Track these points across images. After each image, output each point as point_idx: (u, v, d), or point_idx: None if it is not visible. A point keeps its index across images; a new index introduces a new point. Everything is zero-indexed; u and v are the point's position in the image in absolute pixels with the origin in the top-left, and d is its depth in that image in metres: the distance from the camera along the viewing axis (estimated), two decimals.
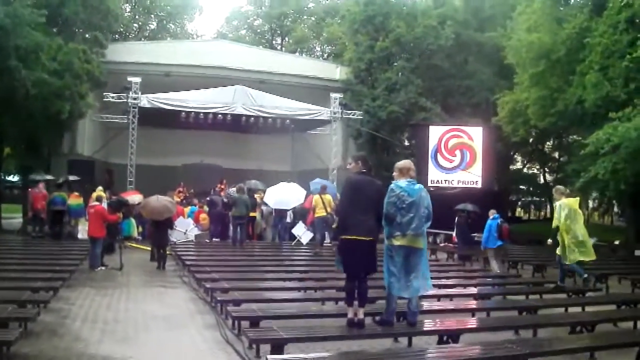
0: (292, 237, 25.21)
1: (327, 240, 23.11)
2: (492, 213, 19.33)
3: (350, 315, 9.00)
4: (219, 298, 11.40)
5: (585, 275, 13.94)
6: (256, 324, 9.35)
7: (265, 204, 26.30)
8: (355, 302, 9.05)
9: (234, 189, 25.40)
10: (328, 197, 21.94)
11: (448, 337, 9.08)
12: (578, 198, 14.60)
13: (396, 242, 9.03)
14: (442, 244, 27.03)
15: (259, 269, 16.92)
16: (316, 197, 22.03)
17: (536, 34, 26.36)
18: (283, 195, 24.86)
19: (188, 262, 17.02)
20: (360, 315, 8.96)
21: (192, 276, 15.81)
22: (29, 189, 25.97)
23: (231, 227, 24.30)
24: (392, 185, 9.21)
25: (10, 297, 10.36)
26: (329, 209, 21.36)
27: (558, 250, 14.02)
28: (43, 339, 9.45)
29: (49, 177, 27.84)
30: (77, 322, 10.81)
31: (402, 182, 9.19)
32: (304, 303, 12.08)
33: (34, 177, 27.25)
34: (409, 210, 8.98)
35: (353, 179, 9.30)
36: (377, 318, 9.36)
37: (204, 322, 11.13)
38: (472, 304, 12.47)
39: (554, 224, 13.88)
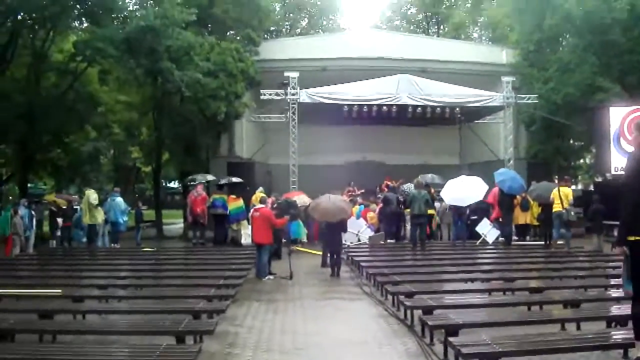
0: (472, 236, 22.74)
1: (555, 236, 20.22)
2: None
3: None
4: (424, 319, 8.82)
5: None
6: None
7: (440, 200, 23.65)
8: None
9: (408, 184, 23.14)
10: (566, 191, 19.76)
11: None
12: None
13: None
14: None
15: (454, 276, 14.33)
16: (554, 190, 19.79)
17: None
18: (462, 190, 22.09)
19: (370, 270, 14.72)
20: None
21: (376, 286, 13.62)
22: (188, 193, 24.73)
23: (407, 227, 21.97)
24: None
25: (162, 325, 8.49)
26: (565, 204, 19.25)
27: None
28: None
29: (209, 177, 26.80)
30: (247, 351, 8.66)
31: None
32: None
33: (193, 178, 26.24)
34: None
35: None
36: None
37: (406, 349, 8.72)
38: None
39: None
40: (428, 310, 9.28)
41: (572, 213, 19.09)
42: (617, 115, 28.38)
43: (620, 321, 8.75)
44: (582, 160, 41.64)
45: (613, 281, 12.27)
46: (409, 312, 10.18)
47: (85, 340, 8.75)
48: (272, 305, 12.17)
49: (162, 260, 18.09)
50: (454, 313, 9.05)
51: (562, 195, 19.34)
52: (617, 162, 27.77)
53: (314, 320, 10.85)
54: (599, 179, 34.52)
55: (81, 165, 32.50)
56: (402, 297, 10.53)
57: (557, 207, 19.43)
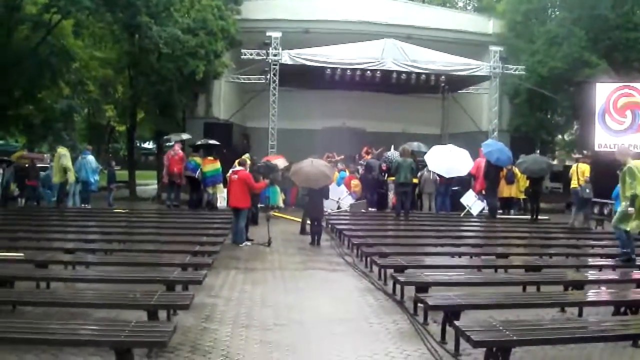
0: (454, 207, 22.32)
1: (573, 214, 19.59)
2: None
3: None
4: (421, 297, 8.01)
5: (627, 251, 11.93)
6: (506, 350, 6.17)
7: (423, 168, 22.97)
8: None
9: (392, 151, 22.47)
10: (583, 167, 19.33)
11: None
12: None
13: None
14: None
15: (444, 249, 13.57)
16: (573, 166, 19.67)
17: None
18: (449, 161, 21.44)
19: (354, 239, 13.99)
20: None
21: (359, 256, 13.04)
22: (164, 153, 23.86)
23: (391, 196, 21.41)
24: None
25: (133, 298, 7.59)
26: (581, 180, 18.87)
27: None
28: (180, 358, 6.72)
29: (185, 136, 25.85)
30: (224, 326, 7.95)
31: None
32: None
33: (169, 138, 25.37)
34: None
35: None
36: None
37: (398, 329, 8.06)
38: None
39: (629, 191, 11.79)
40: (422, 287, 8.56)
41: (587, 190, 18.57)
42: (603, 92, 27.88)
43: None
44: (559, 137, 41.21)
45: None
46: (398, 286, 9.56)
47: (46, 313, 8.01)
48: (251, 275, 11.48)
49: (135, 223, 17.18)
50: (452, 292, 8.38)
51: (579, 172, 19.05)
52: (601, 139, 27.40)
53: (295, 292, 10.16)
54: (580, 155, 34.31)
55: (54, 122, 31.43)
56: (393, 272, 9.80)
57: (574, 184, 19.17)
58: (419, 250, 12.78)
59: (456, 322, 6.67)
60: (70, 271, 10.05)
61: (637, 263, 11.79)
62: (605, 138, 27.38)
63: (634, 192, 11.65)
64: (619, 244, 12.37)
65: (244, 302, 9.31)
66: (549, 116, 35.54)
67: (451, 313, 7.29)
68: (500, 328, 6.36)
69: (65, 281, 9.47)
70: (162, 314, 7.65)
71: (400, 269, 9.94)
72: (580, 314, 8.79)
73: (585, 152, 19.50)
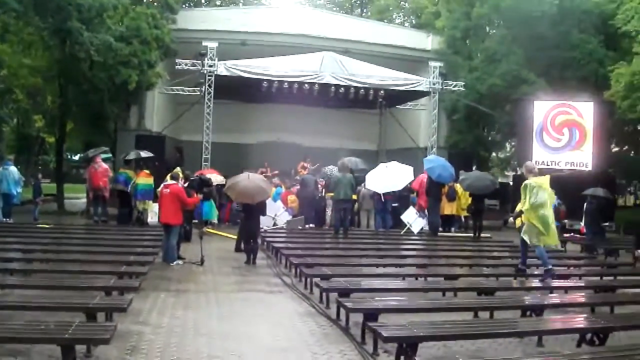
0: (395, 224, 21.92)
1: None
2: None
3: None
4: (372, 326, 7.24)
5: (549, 267, 12.25)
6: None
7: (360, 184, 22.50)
8: None
9: (330, 167, 21.92)
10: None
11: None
12: (548, 176, 12.95)
13: None
14: (566, 235, 22.75)
15: (388, 270, 13.18)
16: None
17: None
18: (388, 177, 20.98)
19: (292, 259, 13.25)
20: None
21: (298, 277, 12.46)
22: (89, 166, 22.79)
23: (329, 212, 21.28)
24: None
25: (47, 330, 6.60)
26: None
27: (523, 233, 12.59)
28: None
29: (105, 148, 24.43)
30: (152, 359, 7.16)
31: None
32: None
33: (88, 153, 23.89)
34: None
35: None
36: None
37: (343, 357, 7.42)
38: None
39: (521, 206, 12.63)
40: (371, 314, 7.89)
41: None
42: (541, 109, 28.40)
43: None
44: (493, 154, 41.40)
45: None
46: (342, 310, 8.90)
47: None
48: (182, 298, 10.65)
49: (59, 239, 15.95)
50: (404, 318, 7.83)
51: None
52: (539, 156, 27.65)
53: (230, 318, 9.38)
54: (517, 173, 34.38)
55: None
56: (337, 297, 9.11)
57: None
58: (363, 272, 12.24)
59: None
60: None
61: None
62: (543, 155, 27.76)
63: (523, 209, 12.31)
64: (541, 261, 12.55)
65: (175, 330, 8.48)
66: (485, 133, 35.59)
67: (408, 345, 6.64)
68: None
69: None
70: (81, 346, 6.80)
71: (346, 292, 9.24)
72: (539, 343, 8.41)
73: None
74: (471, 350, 7.97)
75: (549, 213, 12.29)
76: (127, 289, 9.06)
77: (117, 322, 7.40)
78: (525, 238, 12.42)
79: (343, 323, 8.87)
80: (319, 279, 10.50)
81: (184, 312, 9.60)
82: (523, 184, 12.55)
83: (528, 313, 9.11)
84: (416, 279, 12.15)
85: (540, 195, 12.11)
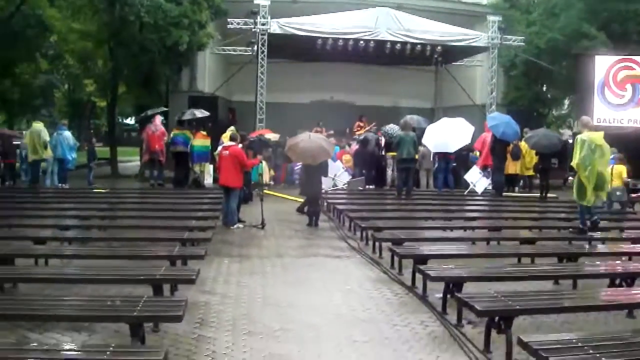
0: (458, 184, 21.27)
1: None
2: (612, 152, 16.27)
3: None
4: (462, 297, 6.57)
5: (595, 217, 12.46)
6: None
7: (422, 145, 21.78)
8: None
9: (390, 125, 21.35)
10: (620, 168, 17.22)
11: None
12: (602, 132, 12.68)
13: None
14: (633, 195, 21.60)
15: (462, 233, 12.46)
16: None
17: None
18: (446, 135, 20.18)
19: (361, 222, 12.51)
20: None
21: (364, 239, 11.99)
22: (144, 128, 22.51)
23: (390, 172, 20.85)
24: None
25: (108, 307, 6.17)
26: (617, 182, 16.97)
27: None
28: None
29: (163, 108, 24.31)
30: (223, 333, 6.64)
31: None
32: None
33: (147, 112, 23.81)
34: None
35: None
36: None
37: (429, 333, 6.82)
38: None
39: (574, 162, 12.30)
40: (455, 283, 7.30)
41: (618, 193, 17.16)
42: (603, 65, 27.30)
43: None
44: (553, 111, 40.24)
45: None
46: (417, 276, 8.38)
47: None
48: (247, 264, 10.21)
49: (116, 205, 15.67)
50: (486, 287, 7.25)
51: (614, 174, 17.12)
52: (601, 114, 26.70)
53: (299, 285, 8.89)
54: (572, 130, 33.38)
55: (33, 98, 30.12)
56: (415, 263, 8.50)
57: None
58: (434, 235, 11.57)
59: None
60: (39, 268, 8.73)
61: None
62: (605, 112, 26.72)
63: (573, 164, 12.24)
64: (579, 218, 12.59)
65: (242, 299, 8.01)
66: (544, 89, 34.49)
67: (501, 318, 6.06)
68: None
69: (31, 282, 7.91)
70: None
71: (422, 259, 8.56)
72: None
73: (617, 152, 18.07)
74: (558, 322, 7.35)
75: (602, 170, 12.08)
76: (193, 257, 8.63)
77: (184, 293, 6.95)
78: (574, 195, 12.41)
79: (419, 291, 8.32)
80: (390, 243, 9.91)
81: (250, 279, 9.14)
82: (575, 138, 12.56)
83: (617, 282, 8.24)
84: (487, 243, 11.55)
85: (592, 151, 11.86)
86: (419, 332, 6.84)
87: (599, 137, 12.17)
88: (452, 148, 20.42)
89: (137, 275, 7.31)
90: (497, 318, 6.02)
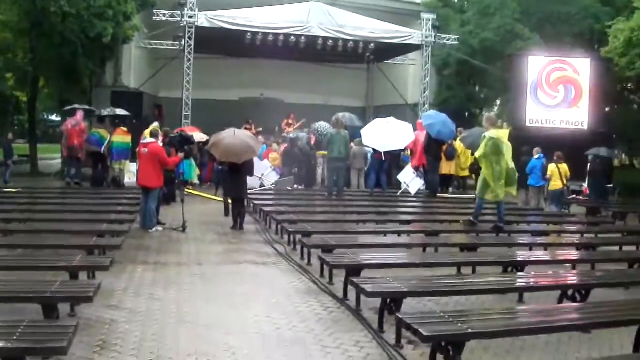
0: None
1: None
2: (537, 152, 19.05)
3: None
4: (401, 317, 5.82)
5: (474, 220, 12.72)
6: None
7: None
8: None
9: (320, 123, 20.83)
10: (565, 167, 18.51)
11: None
12: (508, 130, 13.62)
13: None
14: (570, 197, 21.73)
15: (400, 239, 11.99)
16: (552, 166, 18.60)
17: None
18: (387, 135, 19.67)
19: (288, 226, 11.75)
20: None
21: (291, 244, 11.44)
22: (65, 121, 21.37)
23: (320, 172, 20.80)
24: None
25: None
26: (565, 180, 18.51)
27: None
28: None
29: (87, 107, 23.10)
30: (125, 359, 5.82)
31: None
32: None
33: (74, 106, 22.29)
34: None
35: None
36: None
37: (365, 356, 6.11)
38: None
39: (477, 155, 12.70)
40: (395, 299, 6.60)
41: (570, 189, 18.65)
42: (536, 65, 27.53)
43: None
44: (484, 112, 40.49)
45: None
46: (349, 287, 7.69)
47: None
48: (162, 273, 9.30)
49: (20, 206, 14.30)
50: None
51: (561, 173, 18.42)
52: (533, 114, 26.92)
53: (219, 299, 8.02)
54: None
55: None
56: (347, 275, 7.79)
57: (556, 185, 18.57)
58: (367, 241, 10.93)
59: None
60: None
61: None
62: (538, 112, 26.88)
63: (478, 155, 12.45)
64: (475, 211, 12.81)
65: (154, 316, 7.10)
66: (477, 89, 34.78)
67: (449, 344, 5.33)
68: None
69: None
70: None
71: (356, 269, 7.79)
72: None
73: (558, 153, 18.63)
74: (508, 341, 6.69)
75: (503, 166, 12.14)
76: (96, 268, 7.72)
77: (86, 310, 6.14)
78: (477, 191, 12.76)
79: (352, 303, 7.59)
80: (320, 250, 9.15)
81: (165, 292, 8.23)
82: (483, 135, 12.52)
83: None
84: (424, 250, 11.01)
85: (495, 148, 12.05)
86: (353, 356, 6.08)
87: (504, 134, 12.45)
88: (400, 146, 20.28)
89: (24, 292, 6.30)
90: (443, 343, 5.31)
